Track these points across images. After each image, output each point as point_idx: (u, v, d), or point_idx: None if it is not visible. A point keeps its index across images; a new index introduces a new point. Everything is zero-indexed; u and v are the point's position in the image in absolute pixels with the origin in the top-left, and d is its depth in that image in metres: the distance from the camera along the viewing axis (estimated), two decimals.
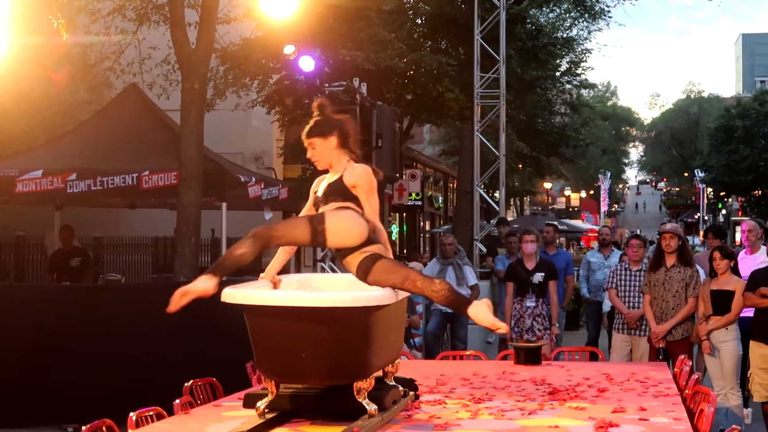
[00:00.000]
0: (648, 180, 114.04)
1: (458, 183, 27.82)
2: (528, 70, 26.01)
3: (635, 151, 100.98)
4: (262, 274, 5.19)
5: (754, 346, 8.66)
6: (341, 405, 4.81)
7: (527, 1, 24.73)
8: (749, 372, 8.80)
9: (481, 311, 4.79)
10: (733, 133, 54.79)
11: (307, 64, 11.14)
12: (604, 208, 68.68)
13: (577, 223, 44.89)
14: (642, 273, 9.74)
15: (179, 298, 4.70)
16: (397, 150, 11.91)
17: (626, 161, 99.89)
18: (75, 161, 12.91)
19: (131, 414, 5.11)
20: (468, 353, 8.76)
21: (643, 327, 9.53)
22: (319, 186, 5.09)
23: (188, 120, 12.38)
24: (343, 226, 4.83)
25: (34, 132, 18.19)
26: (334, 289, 5.19)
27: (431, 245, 40.92)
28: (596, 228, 28.40)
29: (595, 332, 12.87)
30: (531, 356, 7.54)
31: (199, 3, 13.69)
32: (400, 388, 5.19)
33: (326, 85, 11.49)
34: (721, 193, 63.39)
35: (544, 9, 29.42)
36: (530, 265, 10.48)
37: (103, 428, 4.90)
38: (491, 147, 19.55)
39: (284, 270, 5.35)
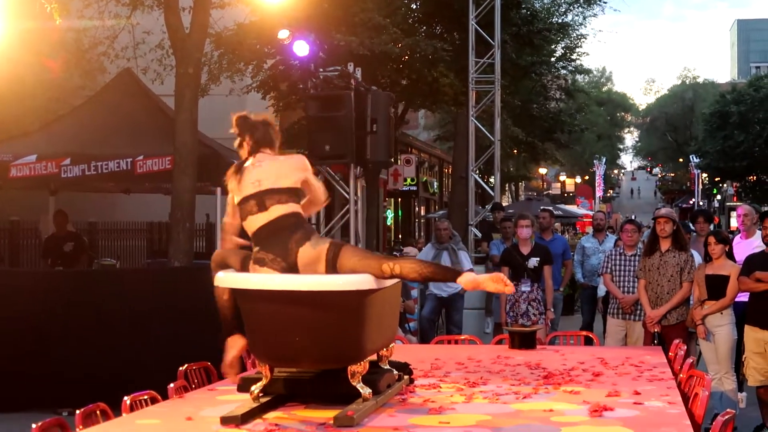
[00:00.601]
0: (643, 166, 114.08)
1: (453, 168, 27.81)
2: (523, 56, 25.96)
3: (630, 137, 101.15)
4: None
5: (748, 330, 8.68)
6: (335, 389, 4.81)
7: None
8: (744, 356, 8.82)
9: (469, 276, 4.88)
10: (728, 118, 54.71)
11: (302, 49, 11.10)
12: (599, 193, 68.81)
13: (572, 208, 44.93)
14: (637, 258, 9.74)
15: (230, 370, 5.09)
16: (391, 135, 11.87)
17: (621, 147, 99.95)
18: (69, 146, 12.89)
19: (125, 398, 5.11)
20: (463, 338, 8.77)
21: (638, 312, 9.54)
22: None
23: (182, 105, 12.36)
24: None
25: (28, 117, 18.15)
26: None
27: (426, 230, 40.92)
28: (591, 213, 28.41)
29: (590, 317, 12.88)
30: (526, 341, 7.53)
31: None
32: (395, 372, 5.19)
33: (321, 69, 11.46)
34: (716, 179, 63.34)
35: None
36: (525, 249, 10.48)
37: (98, 412, 4.89)
38: (486, 132, 19.54)
39: None
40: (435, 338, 9.48)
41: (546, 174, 68.56)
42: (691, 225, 11.68)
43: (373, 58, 17.05)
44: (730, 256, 9.02)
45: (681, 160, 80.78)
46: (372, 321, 4.75)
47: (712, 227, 12.36)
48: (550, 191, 72.99)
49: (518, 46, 24.64)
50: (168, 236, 14.24)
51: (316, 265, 4.69)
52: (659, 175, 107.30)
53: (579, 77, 44.07)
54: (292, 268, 4.70)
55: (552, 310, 10.61)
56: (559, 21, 30.03)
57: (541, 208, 14.88)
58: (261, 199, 4.79)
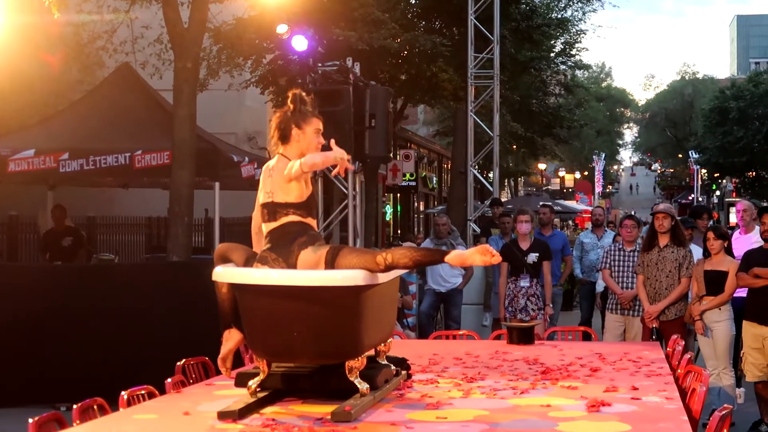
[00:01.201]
0: (643, 161, 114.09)
1: (452, 163, 27.81)
2: (522, 51, 25.94)
3: (629, 133, 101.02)
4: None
5: (747, 326, 8.67)
6: (333, 384, 4.81)
7: None
8: (742, 352, 8.82)
9: (456, 252, 4.93)
10: (728, 114, 54.73)
11: (301, 43, 11.09)
12: (598, 189, 68.86)
13: (571, 204, 44.87)
14: (635, 253, 9.74)
15: (224, 364, 5.09)
16: (390, 130, 11.87)
17: (620, 142, 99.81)
18: (67, 141, 12.87)
19: (123, 393, 5.10)
20: (461, 333, 8.77)
21: (637, 307, 9.53)
22: None
23: (181, 100, 12.34)
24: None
25: (26, 111, 18.12)
26: None
27: (425, 226, 40.92)
28: (590, 209, 28.40)
29: (589, 312, 12.89)
30: (524, 336, 7.53)
31: None
32: (393, 367, 5.19)
33: (319, 64, 11.45)
34: (716, 175, 63.37)
35: None
36: (524, 245, 10.47)
37: (95, 407, 4.89)
38: (485, 127, 19.54)
39: None
40: (433, 333, 9.48)
41: (545, 169, 68.47)
42: (692, 221, 11.58)
43: (371, 52, 17.04)
44: (728, 251, 9.02)
45: (680, 155, 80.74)
46: (369, 316, 4.75)
47: (711, 223, 12.36)
48: (549, 187, 72.93)
49: (517, 42, 24.62)
50: (166, 231, 14.23)
51: (316, 268, 4.74)
52: (658, 171, 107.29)
53: (578, 73, 44.09)
54: (291, 269, 4.75)
55: (551, 305, 10.60)
56: (559, 16, 30.08)
57: (541, 203, 14.86)
58: (273, 210, 4.90)
